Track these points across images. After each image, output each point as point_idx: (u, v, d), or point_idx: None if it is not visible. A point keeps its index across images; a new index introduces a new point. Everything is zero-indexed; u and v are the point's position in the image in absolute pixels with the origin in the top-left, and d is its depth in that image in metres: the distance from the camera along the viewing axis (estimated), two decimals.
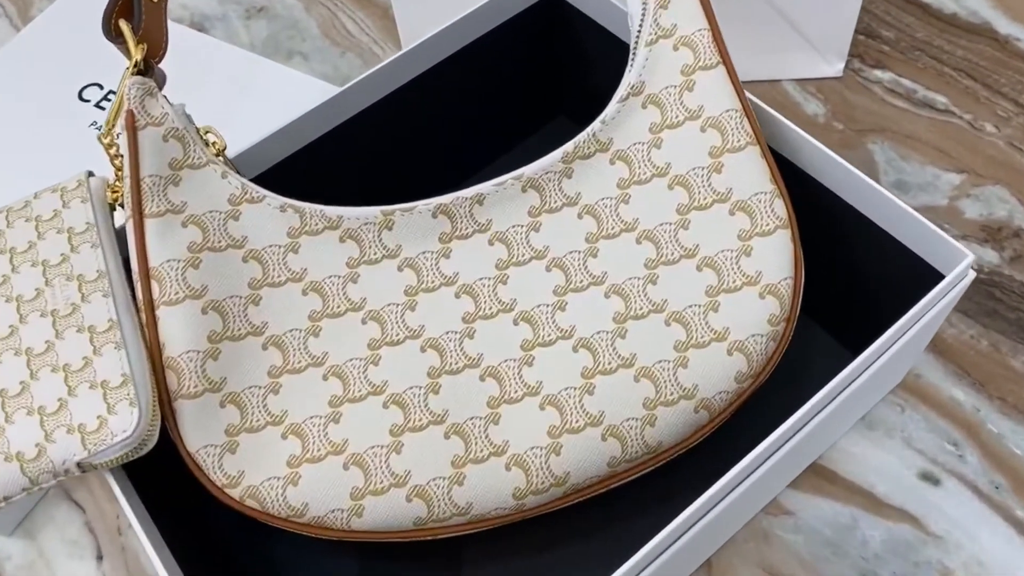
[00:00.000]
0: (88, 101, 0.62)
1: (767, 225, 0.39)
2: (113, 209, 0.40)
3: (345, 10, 0.69)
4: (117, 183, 0.39)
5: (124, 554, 0.47)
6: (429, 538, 0.37)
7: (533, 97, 0.58)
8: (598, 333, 0.39)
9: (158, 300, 0.37)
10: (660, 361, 0.38)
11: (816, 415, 0.38)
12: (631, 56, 0.42)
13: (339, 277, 0.39)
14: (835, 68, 0.61)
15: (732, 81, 0.41)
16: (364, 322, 0.39)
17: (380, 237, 0.40)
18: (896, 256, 0.41)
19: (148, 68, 0.39)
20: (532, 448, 0.37)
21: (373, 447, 0.37)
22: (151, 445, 0.34)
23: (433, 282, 0.40)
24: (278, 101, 0.61)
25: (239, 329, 0.37)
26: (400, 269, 0.40)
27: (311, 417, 0.37)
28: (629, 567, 0.33)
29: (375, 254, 0.40)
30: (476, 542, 0.44)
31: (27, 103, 0.62)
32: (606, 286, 0.40)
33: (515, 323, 0.39)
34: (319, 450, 0.36)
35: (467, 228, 0.41)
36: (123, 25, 0.38)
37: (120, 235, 0.39)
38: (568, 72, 0.56)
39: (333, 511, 0.36)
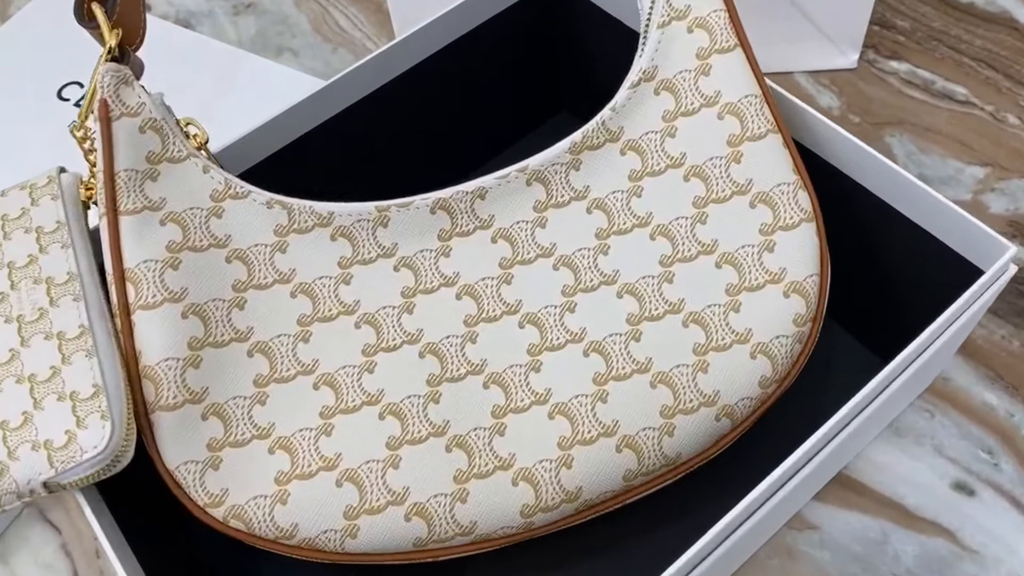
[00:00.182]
0: (68, 100, 0.59)
1: (791, 218, 0.37)
2: (87, 208, 0.37)
3: (337, 5, 0.67)
4: (92, 180, 0.37)
5: None
6: (430, 560, 0.35)
7: (533, 91, 0.55)
8: (610, 336, 0.36)
9: (134, 304, 0.34)
10: (678, 365, 0.35)
11: (846, 425, 0.36)
12: (641, 39, 0.39)
13: (330, 278, 0.37)
14: (849, 59, 0.58)
15: (751, 65, 0.38)
16: (358, 326, 0.36)
17: (375, 235, 0.37)
18: (928, 251, 0.38)
19: (123, 55, 0.36)
20: (541, 461, 0.34)
21: (368, 462, 0.34)
22: (125, 462, 0.31)
23: (432, 283, 0.37)
24: (268, 98, 0.58)
25: (222, 335, 0.35)
26: (396, 269, 0.37)
27: (301, 430, 0.34)
28: None
29: (369, 253, 0.37)
30: (480, 564, 0.41)
31: (5, 102, 0.60)
32: (618, 285, 0.37)
33: (521, 326, 0.36)
34: (309, 465, 0.34)
35: (468, 224, 0.38)
36: (96, 8, 0.35)
37: (94, 235, 0.36)
38: (571, 64, 0.53)
39: (325, 532, 0.33)
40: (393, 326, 0.36)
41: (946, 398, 0.46)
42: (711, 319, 0.36)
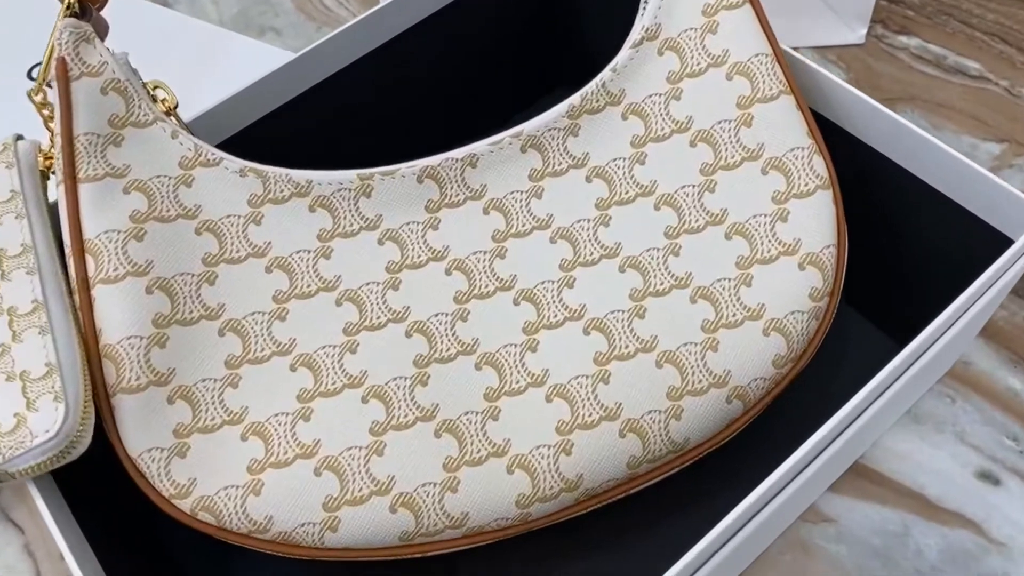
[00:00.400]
0: None
1: (806, 185, 0.34)
2: (46, 178, 0.35)
3: None
4: (52, 149, 0.34)
5: None
6: (418, 555, 0.32)
7: (528, 64, 0.52)
8: (612, 313, 0.33)
9: (94, 278, 0.31)
10: (686, 344, 0.33)
11: (863, 411, 0.33)
12: None
13: (309, 252, 0.34)
14: (857, 34, 0.56)
15: (761, 22, 0.36)
16: (339, 304, 0.33)
17: (357, 205, 0.34)
18: (952, 219, 0.36)
19: (84, 11, 0.34)
20: (538, 447, 0.32)
21: (350, 448, 0.31)
22: (82, 448, 0.29)
23: (419, 257, 0.34)
24: (250, 77, 0.56)
25: (191, 312, 0.32)
26: (380, 242, 0.34)
27: (276, 415, 0.31)
28: None
29: (351, 225, 0.34)
30: (473, 560, 0.39)
31: None
32: (620, 259, 0.34)
33: (515, 303, 0.34)
34: (286, 453, 0.31)
35: (458, 194, 0.35)
36: None
37: (53, 208, 0.34)
38: (568, 35, 0.51)
39: (303, 525, 0.30)
40: (377, 303, 0.34)
41: (967, 383, 0.43)
42: (721, 294, 0.33)
